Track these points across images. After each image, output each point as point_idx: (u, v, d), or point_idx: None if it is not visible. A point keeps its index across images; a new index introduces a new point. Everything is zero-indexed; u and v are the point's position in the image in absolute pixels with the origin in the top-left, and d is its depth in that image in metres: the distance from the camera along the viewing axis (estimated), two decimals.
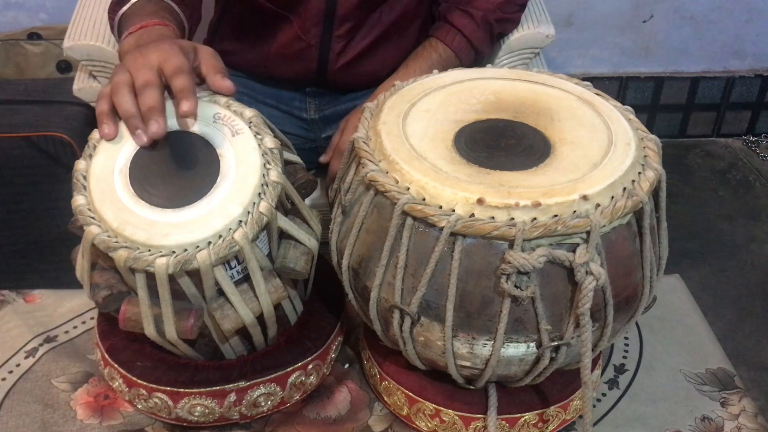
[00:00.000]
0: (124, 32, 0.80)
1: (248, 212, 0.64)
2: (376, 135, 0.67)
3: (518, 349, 0.65)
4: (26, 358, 0.83)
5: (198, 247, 0.63)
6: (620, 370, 0.84)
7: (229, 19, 1.13)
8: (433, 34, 1.10)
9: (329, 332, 0.79)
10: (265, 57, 1.11)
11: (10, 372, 0.82)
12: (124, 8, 0.84)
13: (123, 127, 0.69)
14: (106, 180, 0.66)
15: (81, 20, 1.27)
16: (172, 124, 0.69)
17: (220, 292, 0.67)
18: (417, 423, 0.76)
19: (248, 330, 0.71)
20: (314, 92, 1.17)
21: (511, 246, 0.59)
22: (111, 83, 0.69)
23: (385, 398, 0.78)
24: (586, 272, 0.60)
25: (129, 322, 0.68)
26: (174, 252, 0.63)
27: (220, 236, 0.63)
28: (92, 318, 0.88)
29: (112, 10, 0.86)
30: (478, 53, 1.11)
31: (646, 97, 2.29)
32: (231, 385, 0.72)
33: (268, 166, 0.67)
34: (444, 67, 0.99)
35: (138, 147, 0.68)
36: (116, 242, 0.63)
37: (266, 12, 1.05)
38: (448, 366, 0.68)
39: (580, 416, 0.75)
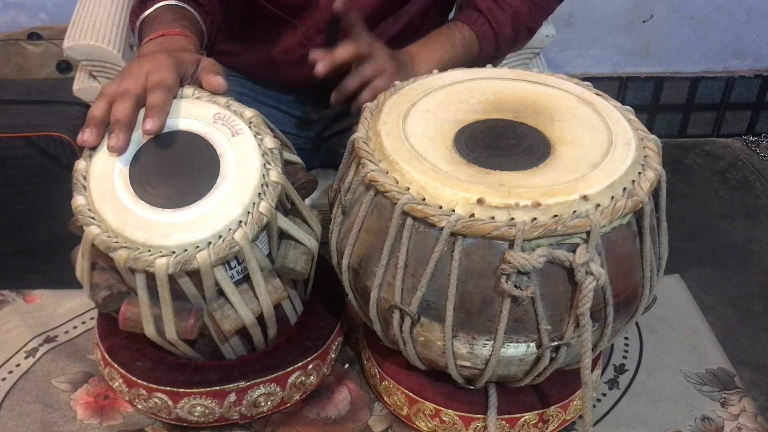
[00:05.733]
0: (146, 38, 0.81)
1: (248, 212, 0.64)
2: (376, 135, 0.67)
3: (518, 349, 0.65)
4: (26, 358, 0.83)
5: (198, 247, 0.63)
6: (620, 370, 0.84)
7: (231, 21, 1.13)
8: (458, 18, 1.04)
9: (329, 332, 0.79)
10: (266, 61, 1.11)
11: (10, 372, 0.82)
12: (146, 13, 0.85)
13: None
14: (106, 180, 0.66)
15: (81, 20, 1.27)
16: (172, 123, 0.69)
17: (220, 293, 0.67)
18: (417, 423, 0.76)
19: (248, 330, 0.71)
20: (314, 95, 1.17)
21: (511, 246, 0.59)
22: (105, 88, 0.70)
23: (385, 398, 0.78)
24: (586, 272, 0.60)
25: (129, 322, 0.67)
26: (174, 252, 0.63)
27: (220, 236, 0.63)
28: (92, 318, 0.88)
29: (134, 14, 0.87)
30: (498, 50, 1.06)
31: (646, 97, 2.29)
32: (231, 385, 0.72)
33: (268, 166, 0.67)
34: (464, 52, 0.99)
35: (138, 147, 0.68)
36: (116, 242, 0.63)
37: (271, 17, 1.05)
38: (448, 366, 0.68)
39: (580, 416, 0.75)
